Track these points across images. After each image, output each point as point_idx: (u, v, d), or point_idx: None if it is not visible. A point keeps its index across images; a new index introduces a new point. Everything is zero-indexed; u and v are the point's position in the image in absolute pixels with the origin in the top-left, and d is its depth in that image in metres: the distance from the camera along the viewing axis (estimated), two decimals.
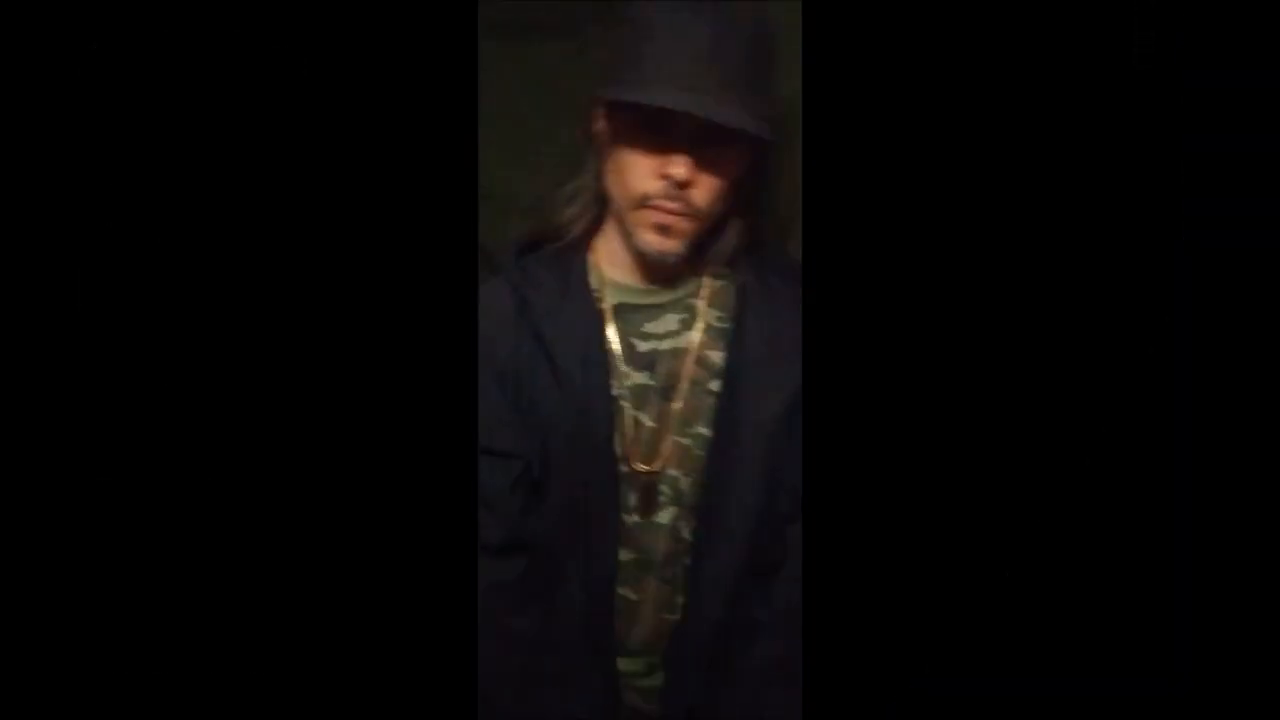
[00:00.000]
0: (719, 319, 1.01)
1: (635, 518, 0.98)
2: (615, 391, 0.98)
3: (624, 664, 1.00)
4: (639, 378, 0.99)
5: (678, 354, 1.00)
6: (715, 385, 0.99)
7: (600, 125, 0.97)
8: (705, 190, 0.93)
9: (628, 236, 0.97)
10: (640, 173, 0.92)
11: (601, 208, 1.01)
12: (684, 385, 0.99)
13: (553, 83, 2.15)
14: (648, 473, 0.98)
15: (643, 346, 1.00)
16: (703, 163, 0.91)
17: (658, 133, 0.91)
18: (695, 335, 1.00)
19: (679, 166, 0.90)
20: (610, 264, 1.02)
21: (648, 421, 0.98)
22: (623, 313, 1.01)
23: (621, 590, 0.99)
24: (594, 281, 1.01)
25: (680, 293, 1.02)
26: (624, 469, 0.98)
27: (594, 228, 1.02)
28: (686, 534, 0.99)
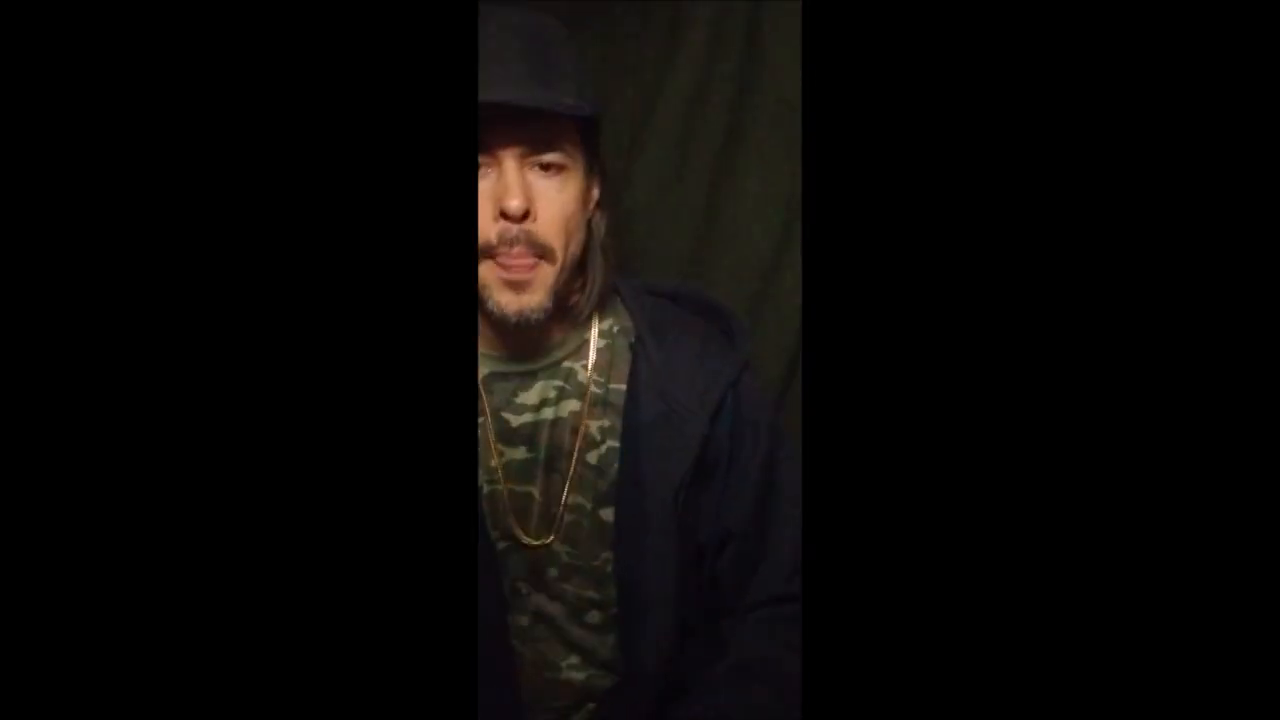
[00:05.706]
0: (596, 383, 0.96)
1: (524, 588, 0.96)
2: (483, 473, 0.93)
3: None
4: (515, 454, 0.95)
5: (558, 424, 0.95)
6: (592, 458, 0.95)
7: None
8: (546, 223, 0.87)
9: (482, 302, 0.89)
10: (481, 221, 0.86)
11: None
12: (565, 459, 0.94)
13: None
14: (535, 547, 0.95)
15: (515, 421, 0.94)
16: (535, 189, 0.86)
17: (487, 152, 0.85)
18: (574, 403, 0.95)
19: (513, 197, 0.85)
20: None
21: (537, 495, 0.95)
22: (491, 383, 0.94)
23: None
24: None
25: (554, 356, 0.96)
26: (510, 543, 0.94)
27: None
28: (594, 613, 0.96)
